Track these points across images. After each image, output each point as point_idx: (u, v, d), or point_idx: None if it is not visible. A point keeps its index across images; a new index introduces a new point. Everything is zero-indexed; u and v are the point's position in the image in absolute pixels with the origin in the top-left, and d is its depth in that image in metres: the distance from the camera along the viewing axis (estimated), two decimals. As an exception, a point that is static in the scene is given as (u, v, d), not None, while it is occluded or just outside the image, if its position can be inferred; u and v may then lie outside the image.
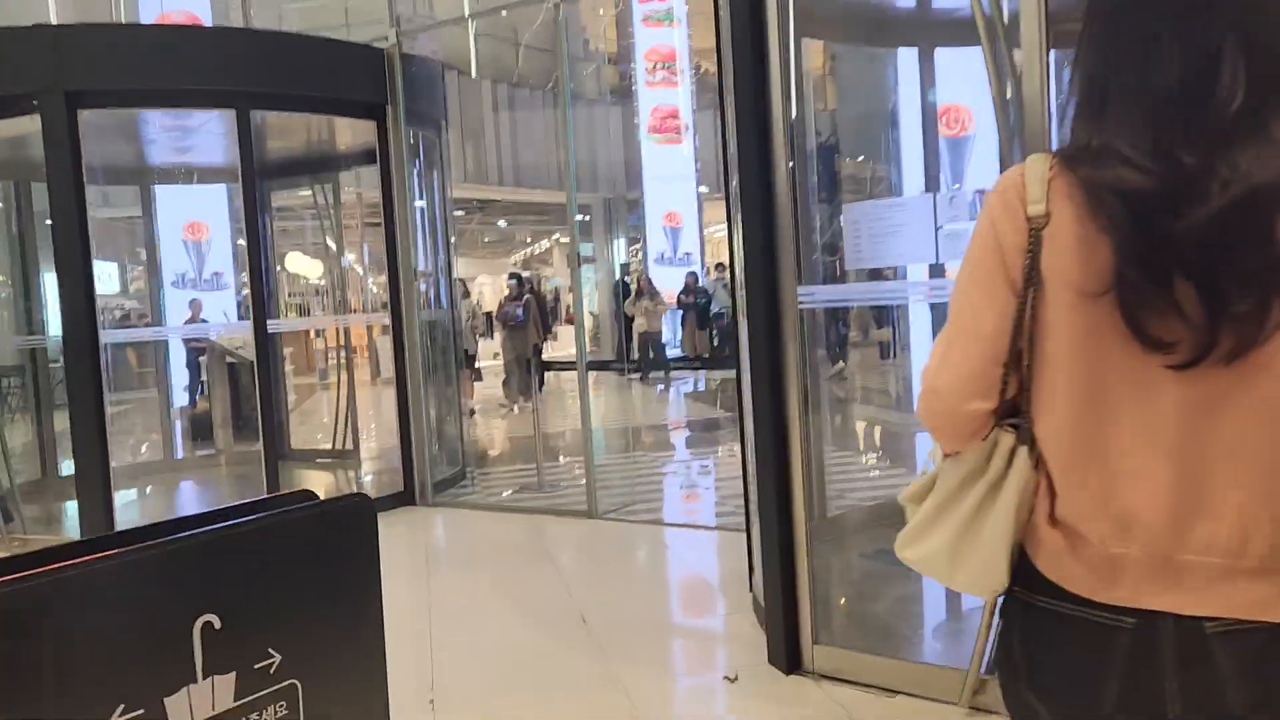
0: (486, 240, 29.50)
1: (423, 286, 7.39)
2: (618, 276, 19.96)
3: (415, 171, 7.20)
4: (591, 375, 9.94)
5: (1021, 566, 1.19)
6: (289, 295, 16.63)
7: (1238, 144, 1.01)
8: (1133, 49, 1.07)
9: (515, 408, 12.17)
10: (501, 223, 25.76)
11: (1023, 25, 2.81)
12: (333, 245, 9.28)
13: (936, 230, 3.37)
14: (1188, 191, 1.01)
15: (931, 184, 4.71)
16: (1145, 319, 1.04)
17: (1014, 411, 1.17)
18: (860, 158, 5.66)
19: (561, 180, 8.82)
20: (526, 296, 12.71)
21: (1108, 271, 1.05)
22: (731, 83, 3.63)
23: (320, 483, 7.85)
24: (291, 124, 7.47)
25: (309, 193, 8.95)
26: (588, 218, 20.63)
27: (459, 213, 19.89)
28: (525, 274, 15.58)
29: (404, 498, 6.93)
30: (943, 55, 4.68)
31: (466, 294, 12.93)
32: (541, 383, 10.55)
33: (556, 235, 27.13)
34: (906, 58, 4.82)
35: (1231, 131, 1.02)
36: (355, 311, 10.73)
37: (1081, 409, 1.11)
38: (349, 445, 8.27)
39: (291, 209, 11.06)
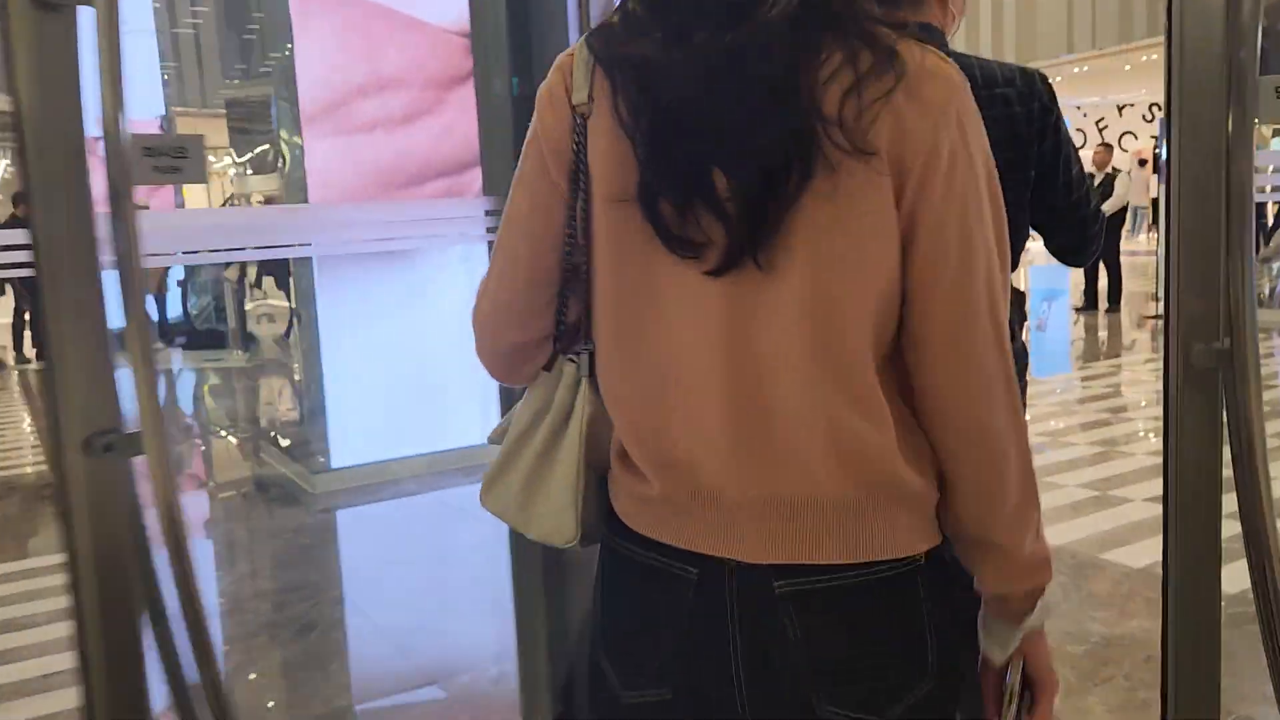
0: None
1: None
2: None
3: None
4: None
5: (609, 509, 1.05)
6: None
7: None
8: None
9: None
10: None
11: None
12: None
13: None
14: (680, 37, 0.87)
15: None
16: (677, 225, 0.89)
17: (572, 339, 1.04)
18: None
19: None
20: None
21: (633, 168, 0.90)
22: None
23: None
24: None
25: None
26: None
27: None
28: None
29: None
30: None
31: None
32: None
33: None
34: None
35: None
36: None
37: (627, 332, 0.96)
38: None
39: None
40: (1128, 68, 17.49)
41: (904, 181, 0.86)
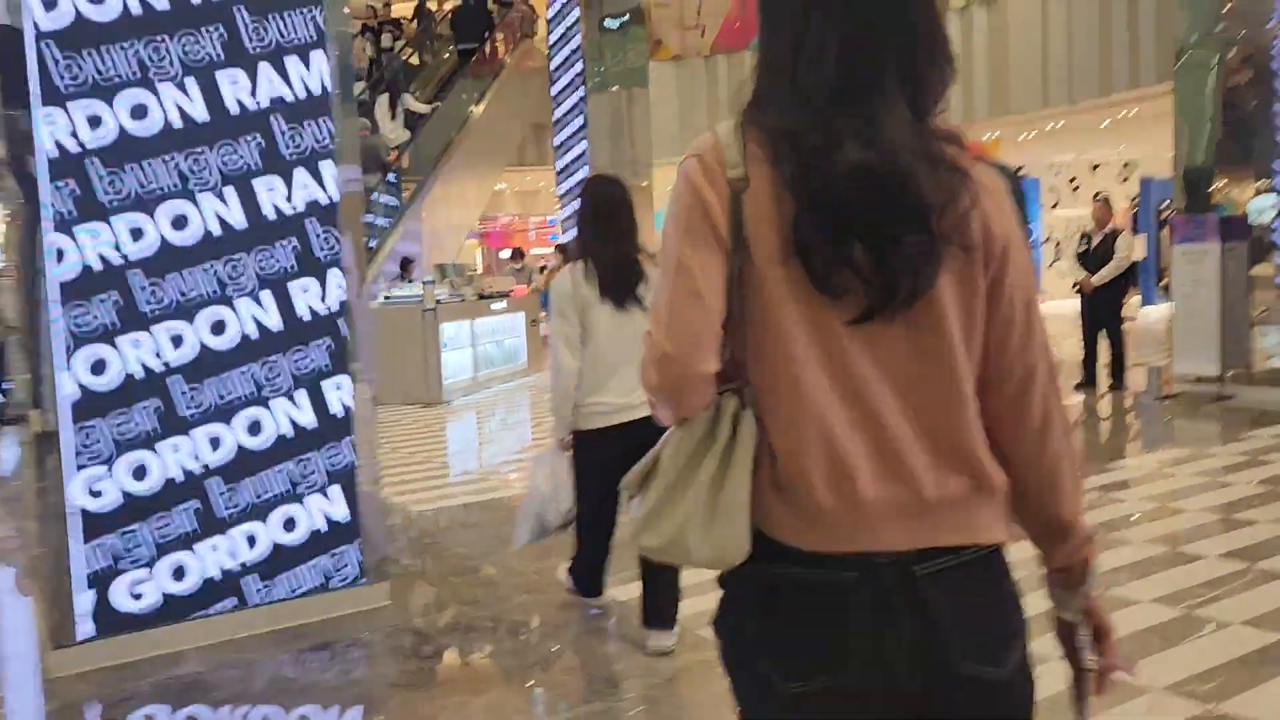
0: None
1: None
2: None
3: None
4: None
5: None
6: None
7: (877, 114, 1.18)
8: (785, 39, 1.22)
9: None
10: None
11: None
12: None
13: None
14: (842, 139, 1.16)
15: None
16: (827, 272, 1.15)
17: (727, 377, 1.21)
18: None
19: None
20: None
21: (792, 234, 1.16)
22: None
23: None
24: None
25: None
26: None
27: None
28: None
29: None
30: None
31: None
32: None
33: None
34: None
35: (874, 104, 1.18)
36: None
37: (791, 369, 1.18)
38: None
39: None
40: (1106, 124, 16.69)
41: (988, 259, 1.20)
